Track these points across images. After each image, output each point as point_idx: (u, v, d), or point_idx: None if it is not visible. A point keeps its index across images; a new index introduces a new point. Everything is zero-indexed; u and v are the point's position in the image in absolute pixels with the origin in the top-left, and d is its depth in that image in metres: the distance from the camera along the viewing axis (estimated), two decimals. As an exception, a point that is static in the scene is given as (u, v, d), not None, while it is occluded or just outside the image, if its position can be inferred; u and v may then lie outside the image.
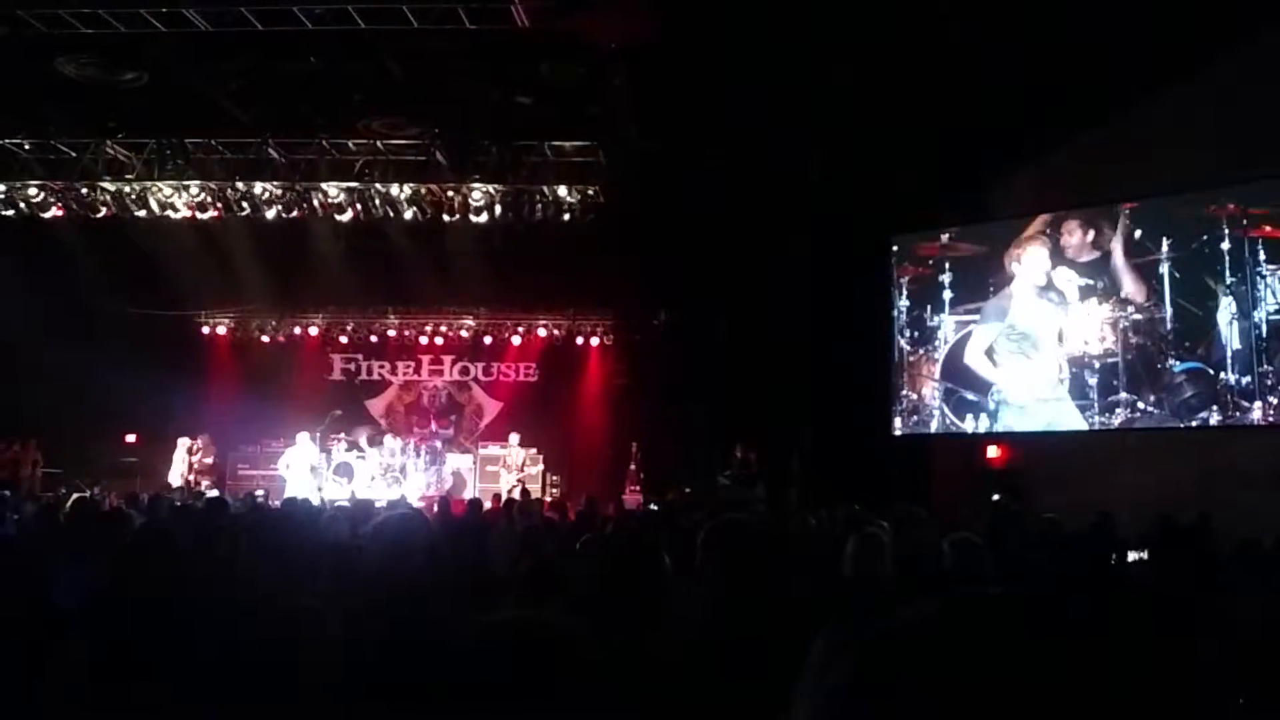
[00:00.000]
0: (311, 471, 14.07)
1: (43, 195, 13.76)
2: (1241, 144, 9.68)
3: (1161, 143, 10.37)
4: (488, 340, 16.78)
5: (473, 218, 13.55)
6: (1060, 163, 11.56)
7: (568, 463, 15.67)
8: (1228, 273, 10.44)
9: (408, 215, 13.82)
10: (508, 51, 10.14)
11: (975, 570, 4.17)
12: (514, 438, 15.00)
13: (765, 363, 12.61)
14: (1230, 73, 9.71)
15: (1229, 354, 10.42)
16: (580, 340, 16.47)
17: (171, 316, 16.10)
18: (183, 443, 14.63)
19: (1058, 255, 11.54)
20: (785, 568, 4.09)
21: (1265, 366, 10.18)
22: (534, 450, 15.11)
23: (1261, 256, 10.28)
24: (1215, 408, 10.53)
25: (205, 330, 16.93)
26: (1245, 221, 10.35)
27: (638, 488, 13.67)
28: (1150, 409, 10.94)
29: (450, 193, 13.46)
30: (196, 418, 15.20)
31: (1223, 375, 10.45)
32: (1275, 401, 10.09)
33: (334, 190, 13.52)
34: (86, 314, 14.60)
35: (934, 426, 12.36)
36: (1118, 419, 11.10)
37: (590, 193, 13.29)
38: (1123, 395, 11.10)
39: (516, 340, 16.71)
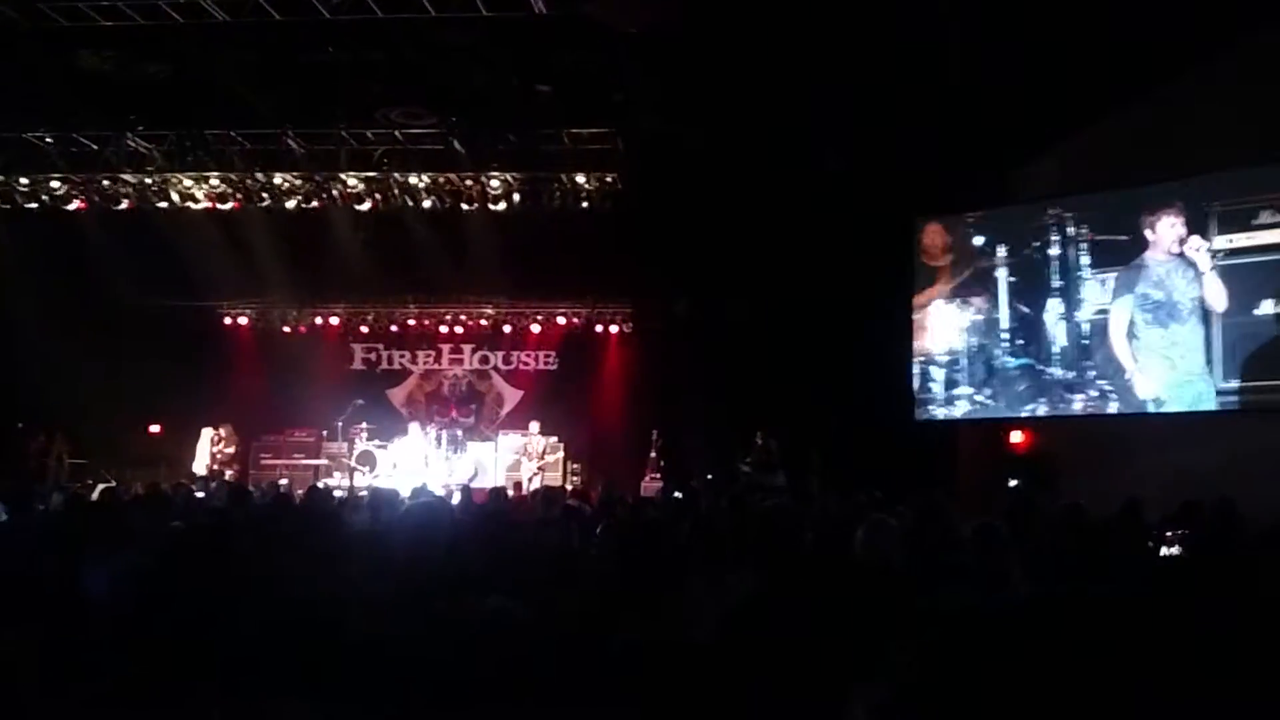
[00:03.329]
0: (425, 462, 14.30)
1: (65, 188, 13.87)
2: (1272, 124, 9.53)
3: (1191, 124, 10.24)
4: (507, 329, 16.80)
5: (491, 206, 13.56)
6: (1085, 144, 11.43)
7: (588, 451, 15.68)
8: (1055, 276, 11.48)
9: (427, 204, 13.84)
10: (525, 39, 10.12)
11: (997, 558, 4.14)
12: (534, 426, 15.03)
13: (785, 349, 12.56)
14: (1263, 53, 9.55)
15: (1055, 351, 11.50)
16: (600, 328, 16.45)
17: (193, 307, 16.20)
18: (207, 433, 14.76)
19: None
20: (816, 556, 4.08)
21: (1085, 362, 11.26)
22: (554, 438, 15.14)
23: (1085, 261, 11.30)
24: (1043, 399, 11.64)
25: (227, 321, 17.03)
26: (1071, 229, 11.36)
27: (658, 475, 13.66)
28: (987, 400, 12.06)
29: (469, 182, 13.47)
30: (219, 408, 15.32)
31: (1049, 370, 11.54)
32: (1094, 394, 11.16)
33: (353, 180, 13.56)
34: (109, 306, 14.71)
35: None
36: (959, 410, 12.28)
37: (608, 180, 13.26)
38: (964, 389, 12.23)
39: (536, 329, 16.72)
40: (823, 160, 11.52)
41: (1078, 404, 11.30)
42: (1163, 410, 10.69)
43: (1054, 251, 11.48)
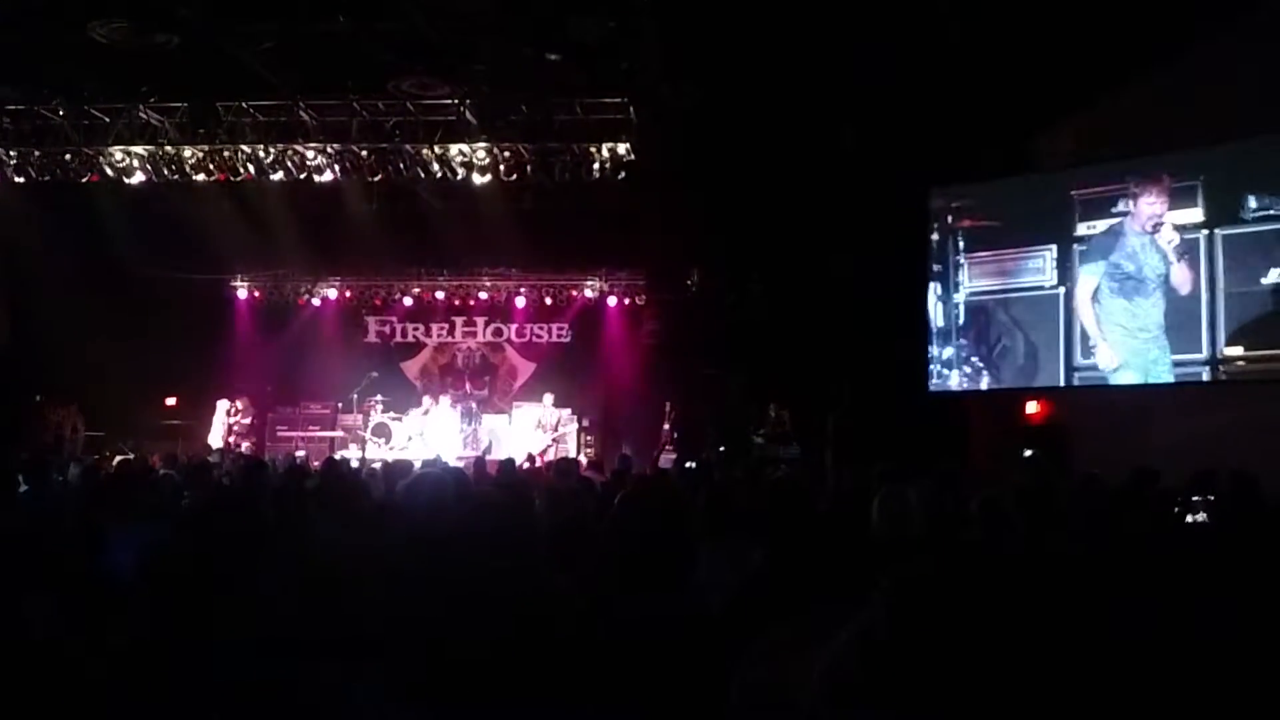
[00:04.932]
0: (440, 435, 14.48)
1: (78, 160, 13.86)
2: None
3: (1208, 90, 10.13)
4: (520, 301, 16.80)
5: (504, 177, 13.49)
6: (1105, 112, 11.31)
7: (601, 423, 15.72)
8: (934, 260, 12.43)
9: (439, 176, 13.78)
10: (537, 7, 10.02)
11: (1004, 528, 4.13)
12: (548, 398, 15.06)
13: (799, 320, 12.52)
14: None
15: (934, 331, 12.40)
16: (613, 300, 16.44)
17: (207, 280, 16.25)
18: (222, 405, 14.84)
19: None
20: (825, 527, 4.07)
21: (961, 340, 12.27)
22: (568, 410, 15.16)
23: (961, 246, 12.28)
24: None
25: (241, 294, 17.08)
26: (949, 217, 12.33)
27: (672, 447, 13.68)
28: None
29: (481, 153, 13.40)
30: (234, 380, 15.40)
31: (930, 349, 12.41)
32: (969, 370, 12.19)
33: (365, 152, 13.51)
34: (124, 278, 14.76)
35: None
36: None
37: (622, 150, 13.17)
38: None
39: (549, 301, 16.71)
40: (840, 136, 11.43)
41: (953, 380, 12.26)
42: (1120, 382, 11.07)
43: (935, 237, 12.45)
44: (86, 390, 14.26)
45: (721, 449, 12.58)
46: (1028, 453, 11.28)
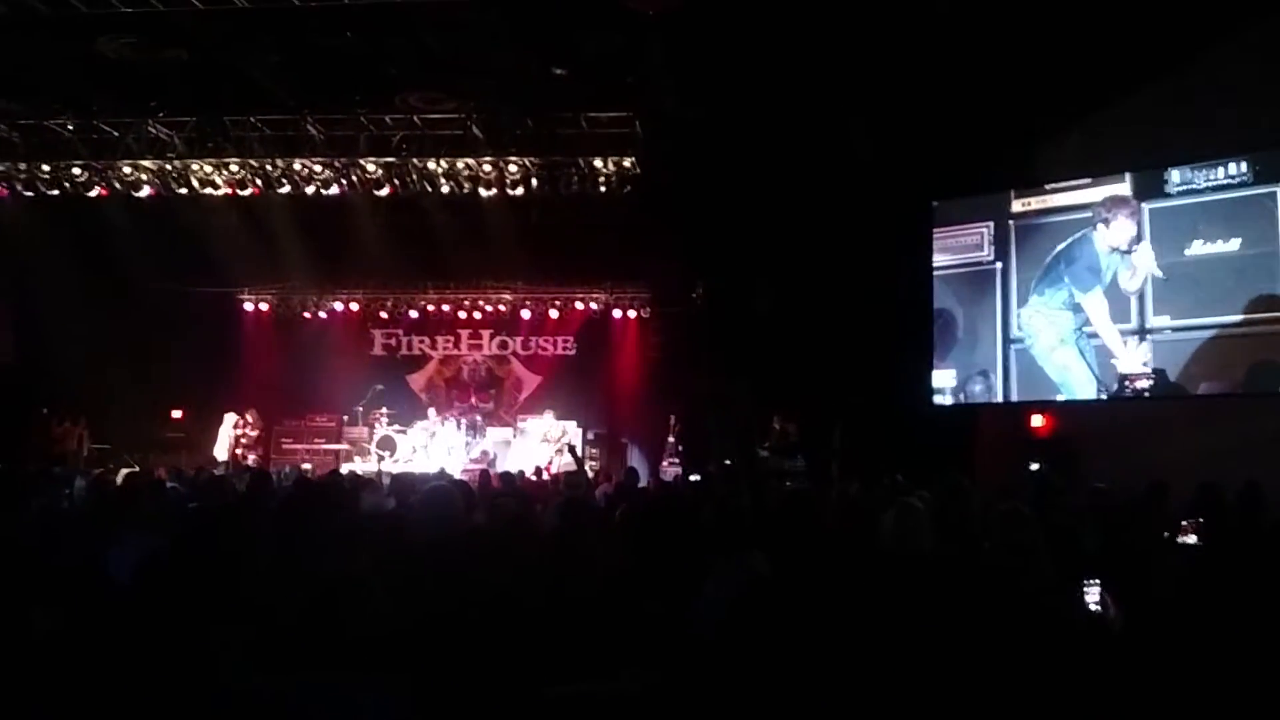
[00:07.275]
0: (446, 448, 14.60)
1: (86, 175, 13.94)
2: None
3: (1212, 104, 10.17)
4: (525, 314, 16.81)
5: (510, 191, 13.54)
6: (1108, 125, 11.31)
7: (606, 436, 15.71)
8: None
9: (445, 190, 13.83)
10: (543, 22, 10.07)
11: (1023, 541, 4.10)
12: (549, 415, 15.08)
13: (804, 333, 12.50)
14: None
15: None
16: (618, 313, 16.44)
17: (214, 293, 16.29)
18: (229, 418, 14.86)
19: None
20: (833, 541, 4.07)
21: None
22: (572, 423, 15.16)
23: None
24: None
25: (248, 307, 17.12)
26: None
27: (676, 460, 13.65)
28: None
29: (487, 167, 13.45)
30: (240, 393, 15.42)
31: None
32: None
33: (372, 166, 13.57)
34: (132, 292, 14.81)
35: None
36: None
37: (626, 164, 13.21)
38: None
39: (554, 314, 16.73)
40: (851, 148, 11.45)
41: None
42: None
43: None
44: (93, 404, 14.28)
45: (726, 461, 12.53)
46: (1034, 466, 11.25)
